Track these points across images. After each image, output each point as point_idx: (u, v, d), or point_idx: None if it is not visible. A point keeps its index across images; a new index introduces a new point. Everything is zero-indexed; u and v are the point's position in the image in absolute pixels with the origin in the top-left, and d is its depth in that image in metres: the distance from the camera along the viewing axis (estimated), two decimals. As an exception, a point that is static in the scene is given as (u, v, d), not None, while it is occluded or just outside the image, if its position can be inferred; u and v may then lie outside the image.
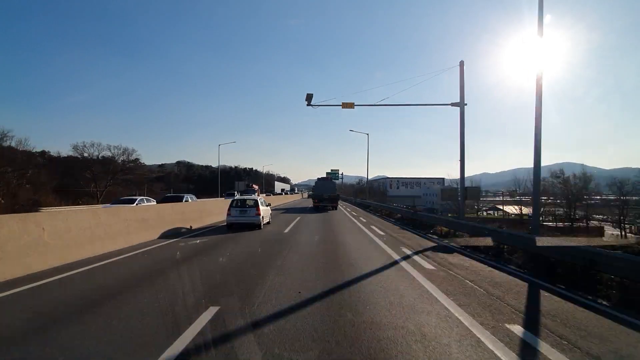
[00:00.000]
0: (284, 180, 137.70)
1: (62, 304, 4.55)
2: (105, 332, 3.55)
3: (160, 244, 9.56)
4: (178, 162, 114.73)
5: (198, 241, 10.40)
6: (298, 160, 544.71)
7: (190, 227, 13.37)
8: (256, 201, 14.53)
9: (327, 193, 25.51)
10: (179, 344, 3.18)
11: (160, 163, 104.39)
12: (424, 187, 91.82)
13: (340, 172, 66.45)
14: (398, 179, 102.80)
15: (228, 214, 13.81)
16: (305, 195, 77.21)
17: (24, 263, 5.89)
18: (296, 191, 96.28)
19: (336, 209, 26.40)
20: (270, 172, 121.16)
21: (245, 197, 17.64)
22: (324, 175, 33.09)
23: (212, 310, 4.07)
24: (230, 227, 13.48)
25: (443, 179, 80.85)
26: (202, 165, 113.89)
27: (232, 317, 3.93)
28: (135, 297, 4.79)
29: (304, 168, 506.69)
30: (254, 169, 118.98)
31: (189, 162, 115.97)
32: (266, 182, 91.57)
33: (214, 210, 17.19)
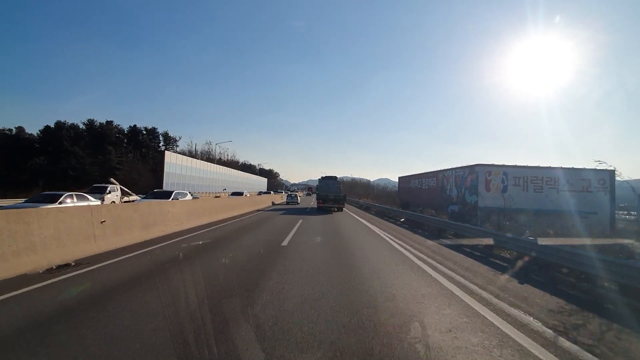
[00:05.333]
0: (270, 174, 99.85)
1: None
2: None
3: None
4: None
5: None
6: (298, 160, 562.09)
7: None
8: (296, 194, 35.47)
9: (332, 193, 25.99)
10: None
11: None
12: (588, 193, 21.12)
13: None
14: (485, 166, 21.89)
15: (286, 198, 34.54)
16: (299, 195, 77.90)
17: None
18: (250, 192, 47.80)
19: (342, 210, 26.14)
20: (249, 162, 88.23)
21: (290, 192, 39.00)
22: (327, 175, 29.55)
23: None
24: (287, 203, 32.90)
25: (613, 170, 21.37)
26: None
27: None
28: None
29: (304, 168, 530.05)
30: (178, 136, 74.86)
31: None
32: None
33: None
